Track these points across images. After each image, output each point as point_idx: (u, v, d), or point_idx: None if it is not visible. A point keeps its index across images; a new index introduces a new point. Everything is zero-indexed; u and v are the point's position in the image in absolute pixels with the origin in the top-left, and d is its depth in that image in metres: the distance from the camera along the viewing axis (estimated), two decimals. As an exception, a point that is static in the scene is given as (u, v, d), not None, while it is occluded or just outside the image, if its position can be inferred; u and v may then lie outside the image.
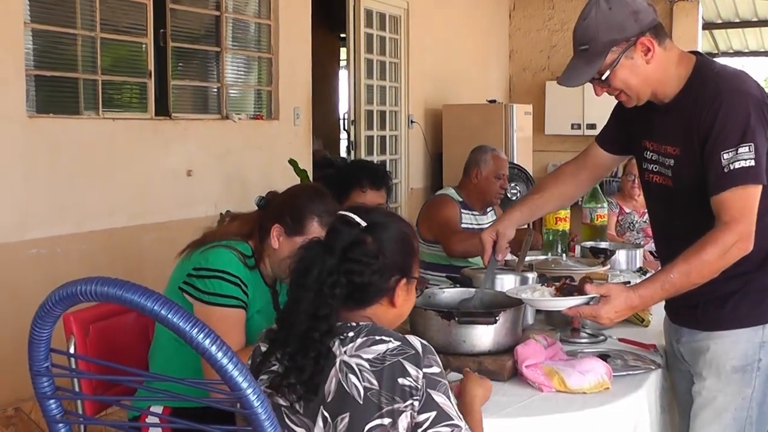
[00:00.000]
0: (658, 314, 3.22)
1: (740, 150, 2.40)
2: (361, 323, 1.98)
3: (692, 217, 2.57)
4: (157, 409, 2.71)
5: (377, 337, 1.93)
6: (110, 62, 5.35)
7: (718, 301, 2.59)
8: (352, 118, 8.09)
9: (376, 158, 8.42)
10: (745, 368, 2.59)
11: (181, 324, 1.44)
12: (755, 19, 11.58)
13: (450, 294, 2.89)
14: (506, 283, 3.04)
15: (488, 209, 4.85)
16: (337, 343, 1.94)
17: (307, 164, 6.98)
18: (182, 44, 5.98)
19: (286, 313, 1.99)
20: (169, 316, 1.42)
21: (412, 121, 8.91)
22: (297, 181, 6.36)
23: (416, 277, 2.13)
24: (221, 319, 2.60)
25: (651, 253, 6.00)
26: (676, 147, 2.59)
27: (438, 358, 1.96)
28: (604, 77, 2.52)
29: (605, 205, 4.52)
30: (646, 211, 6.47)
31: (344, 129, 9.24)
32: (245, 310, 2.68)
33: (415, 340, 1.94)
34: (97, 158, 5.18)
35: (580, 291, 2.50)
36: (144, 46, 5.55)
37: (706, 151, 2.46)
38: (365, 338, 1.93)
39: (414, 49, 8.88)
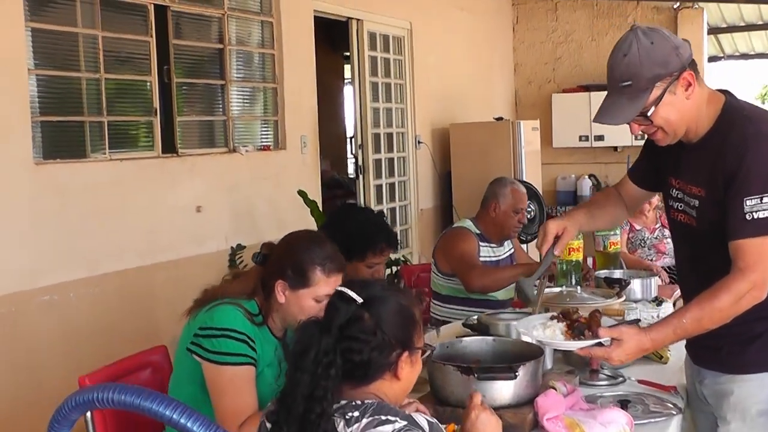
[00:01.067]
0: (677, 349, 3.21)
1: (765, 199, 2.39)
2: (366, 401, 1.95)
3: (717, 257, 2.54)
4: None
5: (383, 417, 1.89)
6: (115, 103, 5.36)
7: (743, 344, 2.58)
8: (360, 142, 8.08)
9: (384, 181, 8.43)
10: None
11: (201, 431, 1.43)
12: (761, 23, 11.56)
13: (467, 344, 2.87)
14: (513, 330, 3.02)
15: (505, 241, 4.83)
16: (342, 423, 1.91)
17: (315, 193, 6.98)
18: (187, 79, 5.99)
19: (284, 395, 1.97)
20: (189, 424, 1.40)
21: (419, 142, 8.91)
22: (306, 211, 6.38)
23: (419, 347, 2.10)
24: (231, 378, 2.60)
25: (666, 269, 6.02)
26: (701, 188, 2.58)
27: None
28: (649, 113, 2.49)
29: (618, 231, 4.51)
30: (656, 227, 6.53)
31: (352, 153, 9.23)
32: (255, 365, 2.66)
33: (422, 419, 1.91)
34: (105, 200, 5.18)
35: (591, 329, 2.50)
36: (149, 83, 5.55)
37: (729, 195, 2.44)
38: (371, 418, 1.89)
39: (418, 69, 8.88)
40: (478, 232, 4.68)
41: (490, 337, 2.92)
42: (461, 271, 4.44)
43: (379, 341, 1.99)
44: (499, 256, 4.73)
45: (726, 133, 2.52)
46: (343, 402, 1.94)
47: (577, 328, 2.55)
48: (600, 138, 10.32)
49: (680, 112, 2.52)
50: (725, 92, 2.63)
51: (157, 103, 5.61)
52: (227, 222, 6.13)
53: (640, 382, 2.99)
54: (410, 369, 2.08)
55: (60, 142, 5.06)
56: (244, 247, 6.06)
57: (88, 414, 2.75)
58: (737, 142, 2.46)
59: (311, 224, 6.44)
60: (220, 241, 6.01)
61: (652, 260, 6.36)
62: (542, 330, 2.62)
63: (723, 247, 2.51)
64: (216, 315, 2.66)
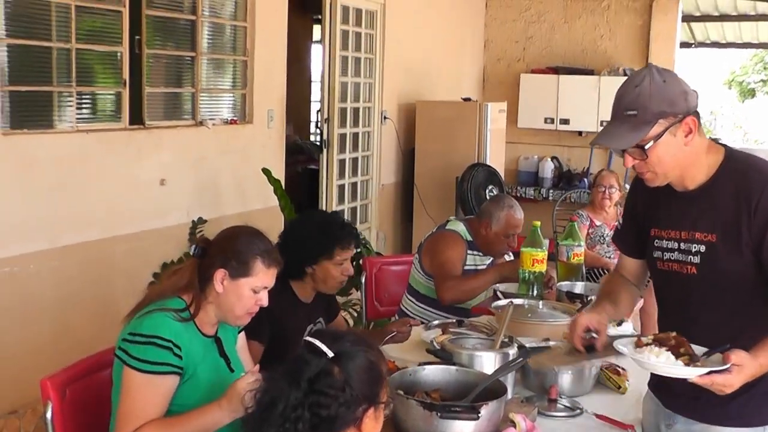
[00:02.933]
0: (635, 382, 3.30)
1: None
2: None
3: (717, 302, 2.62)
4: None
5: None
6: (85, 73, 5.32)
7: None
8: (326, 116, 8.08)
9: (348, 155, 8.46)
10: None
11: None
12: (734, 14, 11.65)
13: (429, 372, 2.92)
14: (485, 360, 3.08)
15: None
16: None
17: (279, 170, 7.00)
18: (157, 50, 5.96)
19: None
20: None
21: (385, 117, 8.93)
22: (270, 189, 6.39)
23: (384, 402, 2.14)
24: (142, 384, 2.64)
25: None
26: (709, 233, 2.60)
27: None
28: (646, 146, 2.53)
29: (582, 243, 4.57)
30: (616, 224, 6.61)
31: (317, 127, 9.23)
32: (178, 373, 2.70)
33: None
34: (70, 172, 5.17)
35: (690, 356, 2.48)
36: (119, 54, 5.52)
37: (751, 247, 2.51)
38: None
39: (389, 44, 8.86)
40: (469, 239, 4.69)
41: (453, 367, 2.98)
42: (437, 278, 4.49)
43: (348, 397, 2.02)
44: (483, 265, 4.72)
45: (738, 178, 2.57)
46: None
47: (686, 354, 2.49)
48: (565, 122, 10.40)
49: (675, 156, 2.57)
50: (724, 145, 2.68)
51: (126, 75, 5.59)
52: (190, 195, 6.14)
53: (598, 416, 3.05)
54: (374, 424, 2.12)
55: (28, 112, 5.03)
56: (206, 221, 6.09)
57: (49, 413, 2.83)
58: (760, 184, 2.52)
59: (274, 201, 6.47)
60: (182, 214, 6.02)
61: (610, 257, 6.45)
62: (656, 357, 2.52)
63: (726, 293, 2.59)
64: (145, 322, 2.71)
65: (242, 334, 3.10)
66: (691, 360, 2.45)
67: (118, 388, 2.76)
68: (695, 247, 2.64)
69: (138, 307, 2.80)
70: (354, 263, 3.87)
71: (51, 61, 5.09)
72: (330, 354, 2.04)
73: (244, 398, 2.38)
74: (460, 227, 4.72)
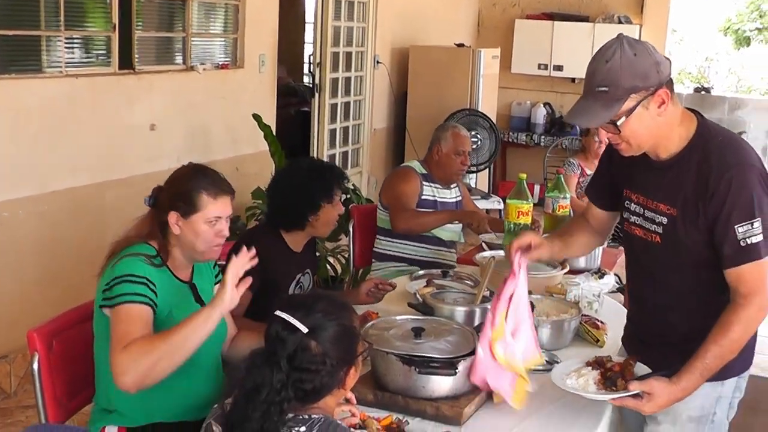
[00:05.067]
0: (613, 335, 3.34)
1: (754, 224, 2.48)
2: (313, 416, 2.03)
3: (676, 276, 2.67)
4: (112, 429, 2.82)
5: None
6: (74, 17, 5.28)
7: (684, 354, 2.62)
8: (318, 60, 8.04)
9: (340, 100, 8.42)
10: (700, 419, 2.72)
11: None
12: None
13: (405, 323, 2.94)
14: (466, 315, 3.12)
15: (452, 185, 4.93)
16: None
17: (270, 116, 6.99)
18: (148, -7, 5.92)
19: (232, 423, 2.02)
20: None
21: (377, 62, 8.88)
22: (261, 133, 6.39)
23: (361, 352, 2.19)
24: (125, 316, 2.65)
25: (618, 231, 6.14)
26: (672, 207, 2.63)
27: None
28: (618, 122, 2.54)
29: (568, 195, 4.59)
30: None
31: (309, 71, 9.18)
32: (153, 308, 2.72)
33: None
34: (59, 117, 5.16)
35: (624, 378, 2.60)
36: (109, -3, 5.49)
37: (720, 223, 2.52)
38: None
39: (384, -14, 8.80)
40: (424, 172, 4.81)
41: (434, 318, 3.02)
42: (392, 210, 4.63)
43: (329, 368, 2.06)
44: (445, 198, 4.83)
45: (703, 158, 2.57)
46: (289, 416, 2.02)
47: (609, 378, 2.62)
48: (559, 68, 10.35)
49: (649, 127, 2.57)
50: (696, 113, 2.68)
51: (116, 18, 5.54)
52: (181, 141, 6.13)
53: (575, 370, 3.09)
54: (355, 376, 2.19)
55: (15, 56, 5.00)
56: (196, 166, 6.07)
57: (35, 365, 2.86)
58: (718, 170, 2.53)
59: (265, 146, 6.47)
60: (172, 159, 5.99)
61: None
62: (576, 379, 2.68)
63: (685, 267, 2.64)
64: (117, 267, 2.73)
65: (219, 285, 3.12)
66: (609, 386, 2.61)
67: (100, 342, 2.79)
68: (658, 218, 2.68)
69: (107, 260, 2.82)
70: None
71: (39, 4, 5.04)
72: (304, 329, 2.06)
73: (227, 289, 2.50)
74: (414, 163, 4.92)
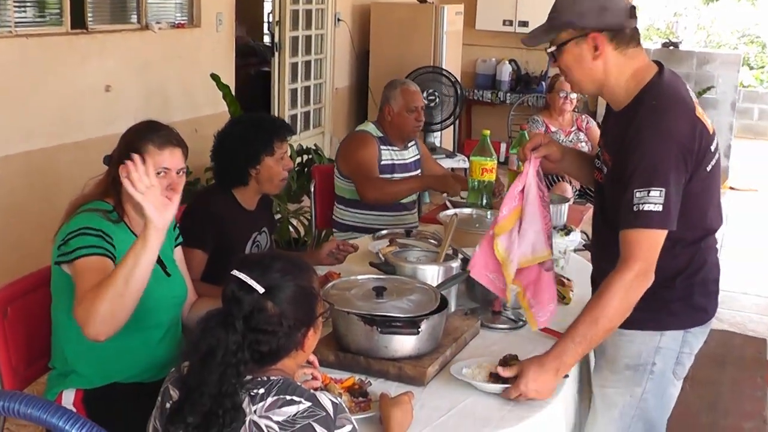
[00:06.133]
0: (580, 292, 3.35)
1: (651, 192, 2.48)
2: (272, 378, 2.01)
3: (614, 227, 2.66)
4: (69, 393, 2.81)
5: (288, 397, 1.95)
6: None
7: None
8: (277, 18, 7.97)
9: (300, 59, 8.37)
10: (636, 368, 2.74)
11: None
12: None
13: (366, 283, 2.92)
14: (428, 274, 3.11)
15: (410, 143, 4.88)
16: (247, 399, 1.97)
17: (229, 76, 6.94)
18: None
19: (189, 389, 1.99)
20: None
21: (338, 19, 8.83)
22: (220, 94, 6.34)
23: (320, 313, 2.18)
24: (85, 270, 2.63)
25: (588, 191, 6.15)
26: (610, 157, 2.68)
27: (350, 416, 2.02)
28: (549, 50, 2.65)
29: (532, 151, 4.58)
30: (572, 130, 6.63)
31: (269, 29, 9.10)
32: (112, 259, 2.70)
33: (326, 400, 1.98)
34: (9, 79, 5.09)
35: (506, 365, 2.63)
36: (59, -48, 5.40)
37: (623, 182, 2.54)
38: (275, 398, 1.96)
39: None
40: (380, 135, 4.73)
41: (396, 278, 3.01)
42: (357, 181, 4.55)
43: (285, 330, 2.05)
44: (405, 159, 4.79)
45: (634, 115, 2.59)
46: (248, 378, 2.00)
47: (495, 373, 2.64)
48: (524, 24, 10.29)
49: (583, 69, 2.64)
50: (660, 70, 2.68)
51: (67, -25, 5.47)
52: (137, 102, 6.08)
53: (542, 330, 3.10)
54: (314, 337, 2.17)
55: (-38, 16, 4.93)
56: (154, 128, 6.02)
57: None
58: (636, 130, 2.55)
59: (224, 107, 6.42)
60: (129, 121, 5.72)
61: (566, 197, 6.44)
62: (473, 369, 2.69)
63: (614, 216, 2.63)
64: (72, 222, 2.73)
65: (179, 249, 3.10)
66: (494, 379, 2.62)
67: (57, 302, 2.77)
68: (604, 167, 2.75)
69: (65, 219, 2.81)
70: (305, 170, 3.87)
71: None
72: (261, 289, 2.04)
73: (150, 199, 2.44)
74: (369, 126, 4.81)
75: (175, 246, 3.07)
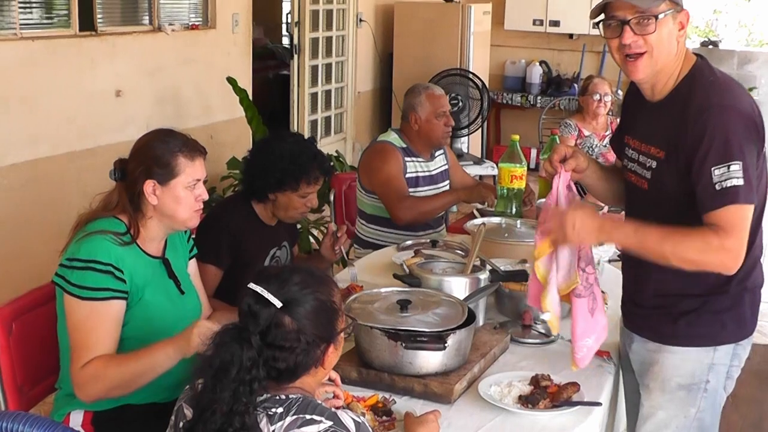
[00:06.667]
0: (614, 305, 3.32)
1: (731, 167, 2.45)
2: (290, 396, 2.00)
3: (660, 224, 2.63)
4: (78, 414, 2.80)
5: (308, 417, 1.94)
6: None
7: (673, 316, 2.70)
8: (296, 19, 7.99)
9: (321, 61, 8.38)
10: (690, 387, 2.71)
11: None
12: None
13: (390, 296, 2.90)
14: (455, 286, 3.09)
15: (437, 153, 4.83)
16: (264, 419, 1.95)
17: (246, 79, 6.94)
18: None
19: (201, 407, 1.99)
20: None
21: (360, 20, 8.84)
22: (236, 99, 6.35)
23: (342, 329, 2.16)
24: (89, 314, 2.66)
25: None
26: (660, 150, 2.65)
27: None
28: (659, 16, 2.55)
29: (563, 158, 4.56)
30: (606, 134, 6.59)
31: (288, 31, 9.13)
32: (123, 298, 2.71)
33: (348, 419, 1.97)
34: (15, 84, 5.10)
35: (552, 398, 2.60)
36: (67, -48, 5.42)
37: (695, 165, 2.50)
38: (294, 417, 1.95)
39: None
40: (404, 146, 4.65)
41: (421, 290, 3.00)
42: (387, 201, 4.47)
43: (304, 346, 2.03)
44: (431, 170, 4.72)
45: (689, 97, 2.58)
46: (265, 396, 1.99)
47: (532, 396, 2.61)
48: (555, 23, 10.27)
49: (669, 44, 2.60)
50: (699, 56, 2.69)
51: (75, -24, 5.50)
52: (150, 108, 6.09)
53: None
54: (335, 354, 2.15)
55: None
56: (167, 134, 6.04)
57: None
58: (699, 109, 2.53)
59: (241, 112, 6.43)
60: (141, 128, 5.91)
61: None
62: (501, 388, 2.68)
63: (669, 218, 2.58)
64: (83, 246, 2.70)
65: (193, 261, 3.10)
66: (536, 403, 2.59)
67: (63, 323, 2.76)
68: (649, 162, 2.69)
69: (72, 234, 2.80)
70: (326, 179, 3.85)
71: (-9, -37, 5.00)
72: (278, 304, 2.02)
73: (197, 338, 2.43)
74: (392, 136, 4.70)
75: (190, 258, 3.07)
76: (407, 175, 4.57)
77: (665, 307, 2.72)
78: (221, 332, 2.04)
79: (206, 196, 2.87)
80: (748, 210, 2.49)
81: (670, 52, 2.61)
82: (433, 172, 4.72)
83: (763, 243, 2.77)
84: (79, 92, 5.54)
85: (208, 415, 1.95)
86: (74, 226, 2.83)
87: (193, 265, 3.09)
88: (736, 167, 2.45)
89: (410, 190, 4.53)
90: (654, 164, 2.67)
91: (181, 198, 2.80)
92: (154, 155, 2.79)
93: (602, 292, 3.45)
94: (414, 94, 4.73)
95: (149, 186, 2.77)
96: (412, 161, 4.62)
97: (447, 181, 4.78)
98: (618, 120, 6.55)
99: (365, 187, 4.63)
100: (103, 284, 2.66)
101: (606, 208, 4.54)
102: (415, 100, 4.68)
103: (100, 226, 2.76)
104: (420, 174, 4.64)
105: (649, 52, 2.60)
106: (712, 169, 2.47)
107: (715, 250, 2.47)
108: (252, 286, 2.06)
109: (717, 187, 2.46)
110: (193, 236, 3.18)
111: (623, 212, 2.98)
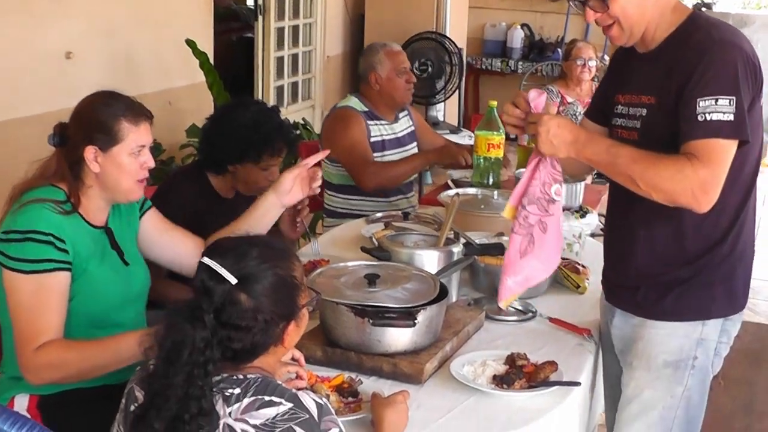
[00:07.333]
0: (595, 281, 3.33)
1: (719, 101, 2.45)
2: (248, 376, 1.99)
3: None
4: (23, 398, 2.78)
5: (266, 398, 1.93)
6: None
7: (661, 289, 2.71)
8: (261, -23, 7.95)
9: (287, 23, 8.34)
10: (678, 364, 2.72)
11: None
12: None
13: (358, 270, 2.91)
14: (426, 259, 3.09)
15: (401, 115, 4.84)
16: (221, 401, 1.94)
17: (207, 42, 6.89)
18: None
19: (154, 392, 1.96)
20: None
21: (330, -21, 8.81)
22: (196, 63, 6.31)
23: (304, 304, 2.14)
24: (35, 290, 2.63)
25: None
26: (651, 96, 2.66)
27: (336, 418, 1.99)
28: None
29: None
30: (590, 101, 6.60)
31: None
32: (67, 268, 2.69)
33: (310, 401, 1.96)
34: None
35: (528, 378, 2.61)
36: None
37: (684, 97, 2.51)
38: (253, 398, 1.93)
39: None
40: (365, 109, 4.70)
41: (390, 264, 3.00)
42: (352, 168, 4.52)
43: (261, 325, 2.01)
44: (396, 133, 4.76)
45: (687, 38, 2.60)
46: (221, 376, 1.98)
47: (507, 376, 2.62)
48: (537, -17, 10.31)
49: (641, 7, 2.61)
50: (696, 6, 2.71)
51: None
52: (103, 71, 6.02)
53: (552, 320, 3.09)
54: (296, 332, 2.14)
55: None
56: (121, 99, 6.00)
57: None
58: (698, 45, 2.55)
59: (201, 77, 6.39)
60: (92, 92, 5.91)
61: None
62: (475, 368, 2.69)
63: None
64: (20, 217, 2.68)
65: (152, 213, 3.07)
66: (510, 384, 2.61)
67: (3, 301, 2.73)
68: (638, 111, 2.71)
69: (8, 205, 2.77)
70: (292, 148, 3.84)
71: None
72: (233, 280, 2.00)
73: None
74: (352, 101, 4.76)
75: (142, 215, 3.05)
76: (372, 140, 4.60)
77: (652, 278, 2.73)
78: (172, 311, 2.01)
79: (152, 164, 2.84)
80: (731, 146, 2.50)
81: (643, 13, 2.62)
82: (399, 134, 4.75)
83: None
84: (26, 54, 5.47)
85: (160, 401, 1.93)
86: (9, 198, 2.80)
87: (152, 218, 3.06)
88: (724, 102, 2.46)
89: (377, 154, 4.56)
90: (644, 112, 2.69)
91: (125, 165, 2.77)
92: (95, 119, 2.76)
93: (582, 266, 3.50)
94: (372, 52, 4.78)
95: (90, 152, 2.74)
96: (376, 125, 4.66)
97: (414, 143, 4.82)
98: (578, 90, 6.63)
99: (329, 157, 4.62)
100: (45, 255, 2.64)
101: (589, 179, 4.57)
102: (374, 58, 4.72)
103: (37, 194, 2.73)
104: (385, 137, 4.67)
105: (617, 22, 2.64)
106: (698, 100, 2.48)
107: (685, 178, 2.46)
108: (205, 260, 2.03)
109: (699, 118, 2.47)
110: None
111: (608, 184, 2.97)
